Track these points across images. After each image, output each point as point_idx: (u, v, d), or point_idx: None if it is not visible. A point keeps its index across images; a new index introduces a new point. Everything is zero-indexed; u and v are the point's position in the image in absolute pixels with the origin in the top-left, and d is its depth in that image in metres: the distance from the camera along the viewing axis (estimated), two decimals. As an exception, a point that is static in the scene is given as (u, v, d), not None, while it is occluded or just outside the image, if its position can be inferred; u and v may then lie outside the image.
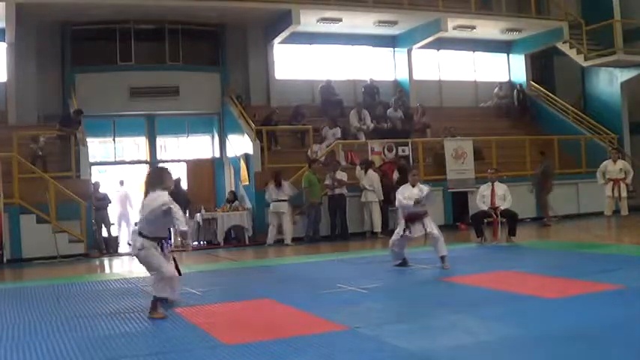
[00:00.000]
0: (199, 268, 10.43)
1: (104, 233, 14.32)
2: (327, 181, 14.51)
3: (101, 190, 14.52)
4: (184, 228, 6.06)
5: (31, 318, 6.44)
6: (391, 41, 19.84)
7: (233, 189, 16.52)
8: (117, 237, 15.01)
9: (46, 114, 16.10)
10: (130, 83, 16.62)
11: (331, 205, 14.56)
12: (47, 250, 12.64)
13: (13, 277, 10.97)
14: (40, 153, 14.16)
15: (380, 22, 18.44)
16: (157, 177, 6.32)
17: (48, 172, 13.56)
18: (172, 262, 6.21)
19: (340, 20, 17.87)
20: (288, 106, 17.58)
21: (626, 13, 19.84)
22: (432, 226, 8.89)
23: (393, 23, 18.66)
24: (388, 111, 18.12)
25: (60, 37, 16.67)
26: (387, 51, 20.12)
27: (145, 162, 17.17)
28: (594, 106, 21.23)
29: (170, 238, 6.47)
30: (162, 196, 6.00)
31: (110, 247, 14.15)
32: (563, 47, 20.47)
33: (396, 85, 19.94)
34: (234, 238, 15.19)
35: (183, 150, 18.27)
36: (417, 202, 8.83)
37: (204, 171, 17.84)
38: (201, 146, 18.40)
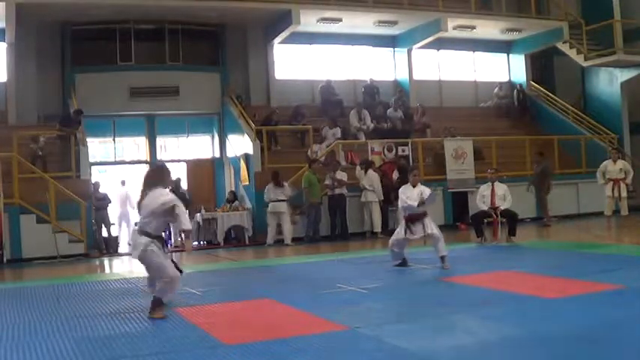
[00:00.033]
0: (199, 268, 10.42)
1: (104, 233, 14.33)
2: (327, 181, 14.50)
3: (101, 190, 14.53)
4: (188, 227, 6.05)
5: (31, 318, 6.43)
6: (391, 41, 19.84)
7: (233, 189, 16.53)
8: (117, 237, 15.01)
9: (46, 114, 16.11)
10: (130, 83, 16.63)
11: (331, 205, 14.55)
12: (47, 250, 12.63)
13: (13, 277, 10.96)
14: (40, 153, 14.16)
15: (380, 22, 18.43)
16: (158, 175, 6.31)
17: (48, 172, 13.55)
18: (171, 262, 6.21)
19: (340, 20, 17.87)
20: (288, 106, 17.58)
21: (626, 13, 19.84)
22: (432, 227, 8.89)
23: (393, 23, 18.66)
24: (388, 111, 18.11)
25: (60, 37, 16.67)
26: (387, 51, 20.12)
27: (145, 162, 17.14)
28: (594, 106, 21.23)
29: (170, 238, 6.47)
30: (166, 194, 5.99)
31: (110, 247, 14.15)
32: (563, 47, 20.47)
33: (396, 85, 19.93)
34: (234, 238, 15.19)
35: (183, 150, 18.28)
36: (422, 203, 8.86)
37: (204, 171, 17.85)
38: (201, 146, 18.41)
